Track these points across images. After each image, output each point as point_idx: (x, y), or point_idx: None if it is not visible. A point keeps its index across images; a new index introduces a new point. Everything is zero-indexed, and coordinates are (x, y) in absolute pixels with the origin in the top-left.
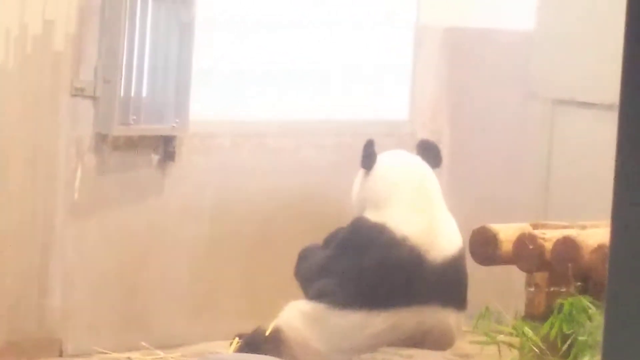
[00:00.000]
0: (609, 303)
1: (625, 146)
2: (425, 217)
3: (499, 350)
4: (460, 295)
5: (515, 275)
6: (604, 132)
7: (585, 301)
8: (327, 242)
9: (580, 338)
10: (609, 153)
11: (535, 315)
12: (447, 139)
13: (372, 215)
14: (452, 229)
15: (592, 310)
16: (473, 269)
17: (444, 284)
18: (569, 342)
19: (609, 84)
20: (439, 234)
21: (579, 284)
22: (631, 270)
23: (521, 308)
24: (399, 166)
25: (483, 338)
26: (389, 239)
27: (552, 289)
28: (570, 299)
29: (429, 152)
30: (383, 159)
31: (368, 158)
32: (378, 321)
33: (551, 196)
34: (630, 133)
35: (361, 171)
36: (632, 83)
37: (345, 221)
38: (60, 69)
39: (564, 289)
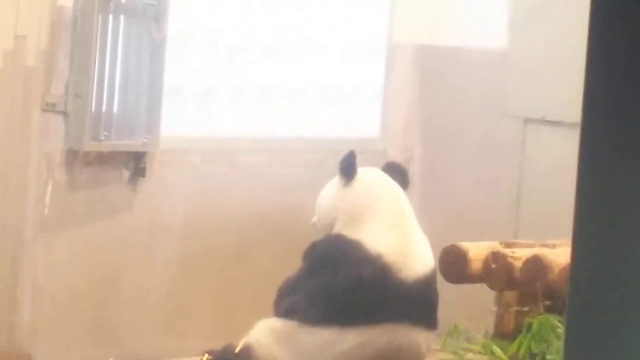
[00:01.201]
0: (569, 319)
1: (585, 164)
2: (401, 236)
3: None
4: (430, 315)
5: (484, 294)
6: (574, 150)
7: (553, 320)
8: (305, 256)
9: (548, 357)
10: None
11: (504, 333)
12: (418, 156)
13: (347, 229)
14: (425, 249)
15: (561, 329)
16: (442, 287)
17: (415, 303)
18: None
19: (578, 103)
20: (413, 253)
21: (547, 302)
22: (590, 287)
23: (490, 326)
24: (378, 182)
25: (451, 356)
26: (364, 257)
27: (521, 307)
28: (539, 318)
29: (397, 174)
30: (363, 173)
31: (349, 169)
32: (348, 338)
33: (522, 214)
34: (589, 150)
35: (336, 182)
36: (591, 102)
37: (316, 238)
38: (31, 83)
39: (532, 308)
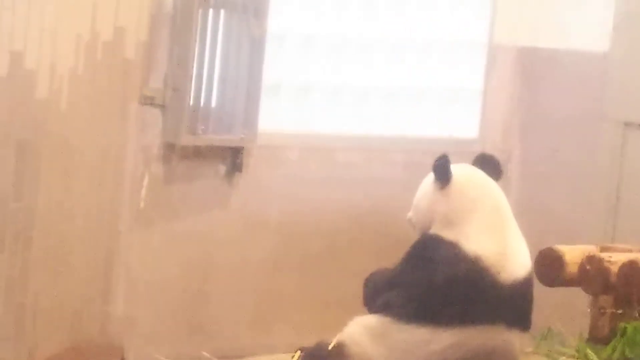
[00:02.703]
0: None
1: None
2: (499, 239)
3: None
4: (525, 317)
5: (579, 297)
6: None
7: None
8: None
9: None
10: None
11: (598, 338)
12: (517, 158)
13: (445, 232)
14: (523, 251)
15: None
16: (537, 289)
17: (511, 306)
18: None
19: None
20: (511, 256)
21: None
22: None
23: (585, 330)
24: (476, 183)
25: (545, 359)
26: (462, 258)
27: (616, 310)
28: (634, 323)
29: (489, 165)
30: (459, 175)
31: (444, 174)
32: (443, 338)
33: (620, 218)
34: None
35: (430, 183)
36: None
37: (411, 238)
38: (130, 76)
39: (627, 312)
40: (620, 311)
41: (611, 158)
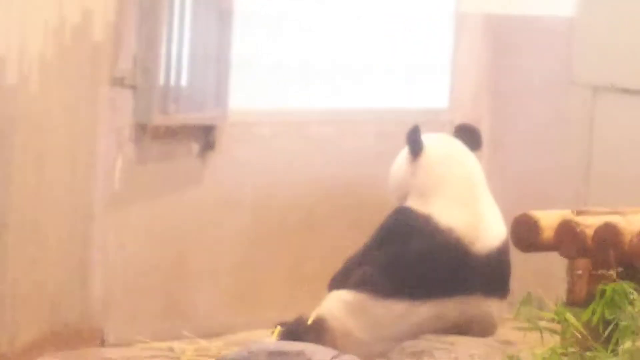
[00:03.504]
0: None
1: None
2: (472, 209)
3: (542, 337)
4: (503, 285)
5: (555, 262)
6: None
7: (627, 287)
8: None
9: (622, 323)
10: None
11: (576, 301)
12: (487, 126)
13: (417, 205)
14: (497, 220)
15: (634, 295)
16: (514, 255)
17: (487, 275)
18: (610, 327)
19: None
20: (485, 226)
21: (620, 269)
22: None
23: (561, 294)
24: (447, 155)
25: (525, 324)
26: (435, 230)
27: (595, 272)
28: (612, 285)
29: (469, 135)
30: (430, 147)
31: (415, 145)
32: (421, 311)
33: (591, 183)
34: None
35: (404, 156)
36: None
37: (386, 209)
38: (99, 58)
39: (604, 275)
40: (597, 274)
41: (581, 122)
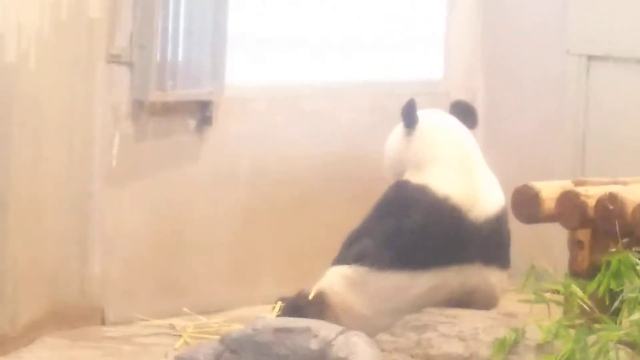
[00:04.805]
0: None
1: None
2: (468, 177)
3: (549, 309)
4: (502, 254)
5: (556, 233)
6: (639, 86)
7: (633, 257)
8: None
9: (630, 295)
10: None
11: (578, 272)
12: (482, 97)
13: (413, 177)
14: (494, 188)
15: None
16: (515, 227)
17: (486, 243)
18: (619, 299)
19: None
20: (481, 193)
21: (625, 240)
22: None
23: (560, 266)
24: (441, 127)
25: (532, 297)
26: (431, 200)
27: (595, 244)
28: (618, 256)
29: (464, 113)
30: (424, 120)
31: (410, 118)
32: (421, 281)
33: (587, 152)
34: None
35: (399, 131)
36: None
37: (382, 182)
38: (95, 35)
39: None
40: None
41: (576, 92)
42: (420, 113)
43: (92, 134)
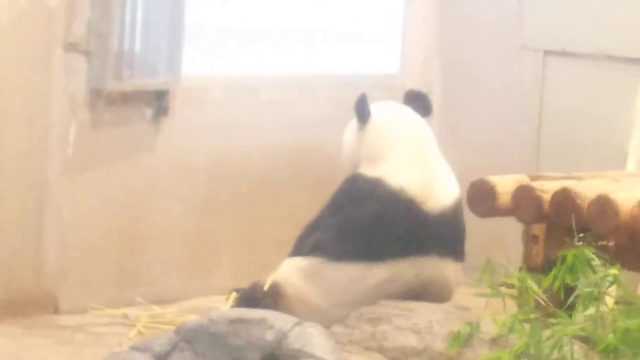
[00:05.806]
0: None
1: None
2: (422, 169)
3: (504, 304)
4: (457, 246)
5: (510, 227)
6: (594, 83)
7: (588, 252)
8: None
9: (586, 290)
10: (599, 103)
11: (532, 267)
12: (438, 91)
13: (368, 170)
14: (449, 180)
15: (596, 261)
16: (470, 221)
17: (441, 234)
18: (574, 294)
19: (600, 35)
20: (436, 185)
21: (581, 235)
22: None
23: (516, 260)
24: (394, 119)
25: (485, 290)
26: (386, 192)
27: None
28: (573, 250)
29: (418, 102)
30: (377, 113)
31: (362, 113)
32: (376, 273)
33: (543, 147)
34: None
35: (353, 125)
36: None
37: (341, 174)
38: (53, 23)
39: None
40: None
41: (532, 87)
42: (373, 106)
43: (49, 123)
